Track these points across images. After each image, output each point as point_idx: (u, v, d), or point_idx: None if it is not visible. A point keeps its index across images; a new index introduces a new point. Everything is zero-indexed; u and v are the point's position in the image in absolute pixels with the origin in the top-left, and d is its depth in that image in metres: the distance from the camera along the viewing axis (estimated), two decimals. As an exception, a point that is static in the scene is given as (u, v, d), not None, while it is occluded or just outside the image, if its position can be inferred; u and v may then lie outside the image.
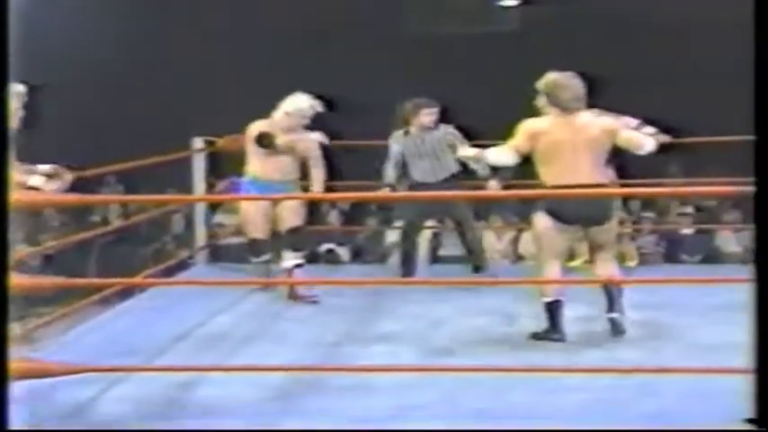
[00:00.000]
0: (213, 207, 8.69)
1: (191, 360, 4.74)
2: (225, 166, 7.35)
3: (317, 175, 6.06)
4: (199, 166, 7.14)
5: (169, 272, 7.03)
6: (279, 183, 6.02)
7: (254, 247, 6.26)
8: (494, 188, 6.32)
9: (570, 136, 4.86)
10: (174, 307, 5.75)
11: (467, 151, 5.30)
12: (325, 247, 9.38)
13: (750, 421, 3.07)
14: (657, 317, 5.35)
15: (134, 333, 5.30)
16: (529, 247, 8.79)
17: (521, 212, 9.42)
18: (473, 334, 5.15)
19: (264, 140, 5.95)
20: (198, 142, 7.12)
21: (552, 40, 10.29)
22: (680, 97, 9.75)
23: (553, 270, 4.97)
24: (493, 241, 8.64)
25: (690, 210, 9.42)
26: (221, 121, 6.86)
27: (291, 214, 6.08)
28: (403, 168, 6.50)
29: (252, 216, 6.15)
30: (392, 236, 9.20)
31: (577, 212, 4.90)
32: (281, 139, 5.97)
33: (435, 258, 9.08)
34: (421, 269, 6.88)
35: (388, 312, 5.67)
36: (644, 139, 4.99)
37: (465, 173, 6.37)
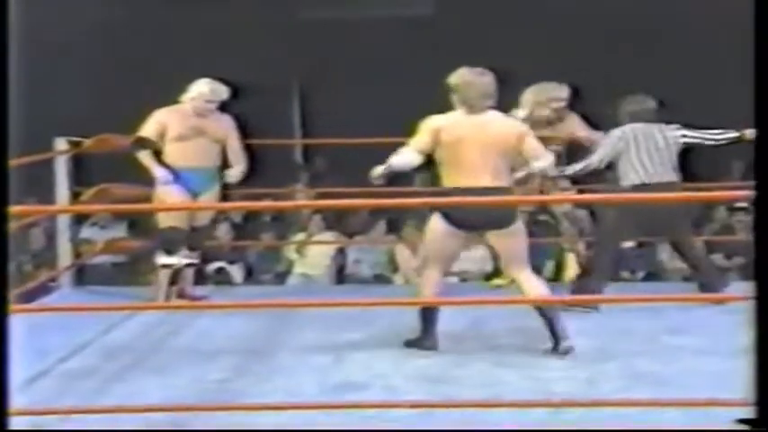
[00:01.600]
0: (79, 220, 8.58)
1: (52, 401, 4.66)
2: (93, 170, 7.27)
3: (237, 158, 6.62)
4: (62, 170, 7.04)
5: (27, 297, 6.90)
6: (198, 170, 6.53)
7: (169, 239, 6.54)
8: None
9: (475, 135, 5.20)
10: (32, 339, 5.63)
11: (375, 171, 5.40)
12: (214, 265, 9.31)
13: (742, 422, 3.26)
14: (595, 343, 5.44)
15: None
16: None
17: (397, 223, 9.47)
18: (385, 364, 5.16)
19: (140, 144, 6.45)
20: (61, 143, 7.03)
21: (472, 25, 10.39)
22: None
23: (434, 275, 5.34)
24: (407, 257, 8.66)
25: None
26: (88, 119, 6.80)
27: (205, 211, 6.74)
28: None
29: (171, 204, 6.56)
30: (291, 252, 9.21)
31: (475, 216, 5.18)
32: (142, 155, 6.50)
33: (341, 278, 9.10)
34: (324, 290, 6.90)
35: (285, 341, 5.66)
36: (544, 154, 5.34)
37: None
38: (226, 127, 6.65)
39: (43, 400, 4.68)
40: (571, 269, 7.40)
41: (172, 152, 6.54)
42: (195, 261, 6.77)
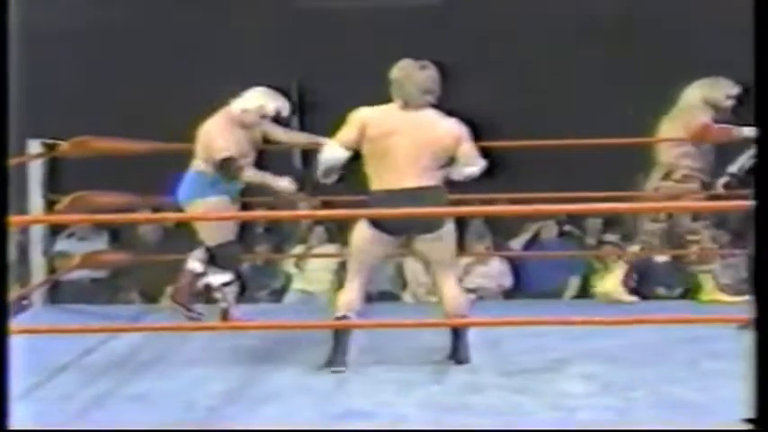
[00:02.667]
0: (54, 231, 8.60)
1: (26, 426, 4.68)
2: (70, 176, 7.29)
3: (298, 135, 6.84)
4: (36, 176, 7.06)
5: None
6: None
7: (227, 255, 6.52)
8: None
9: (407, 131, 5.33)
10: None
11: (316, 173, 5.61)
12: (203, 281, 9.30)
13: (748, 421, 3.39)
14: (624, 367, 5.44)
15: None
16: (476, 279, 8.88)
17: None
18: (392, 390, 5.16)
19: (229, 170, 6.24)
20: (35, 146, 7.05)
21: (484, 15, 10.39)
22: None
23: (354, 285, 5.50)
24: (417, 272, 8.67)
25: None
26: (64, 120, 6.81)
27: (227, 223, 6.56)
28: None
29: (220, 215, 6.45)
30: (290, 266, 9.21)
31: (401, 220, 5.33)
32: (249, 174, 6.32)
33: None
34: (324, 308, 6.87)
35: (282, 364, 5.68)
36: (478, 160, 5.47)
37: None
38: (265, 128, 6.54)
39: (15, 428, 4.70)
40: (610, 284, 7.36)
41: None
42: (230, 280, 6.72)
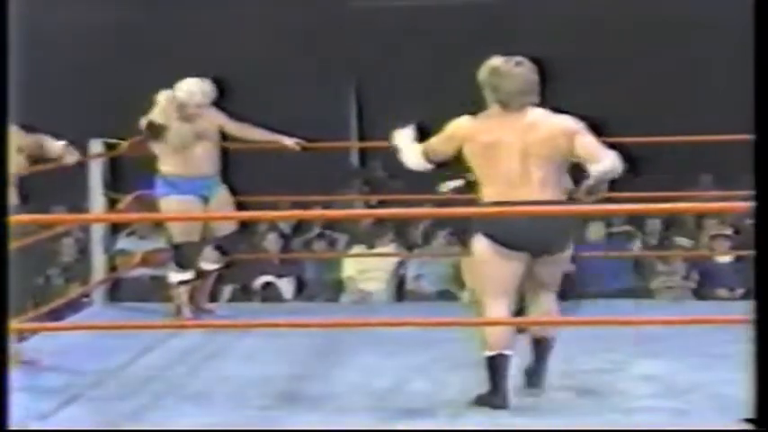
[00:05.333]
0: (115, 229, 8.65)
1: (83, 426, 4.71)
2: (130, 175, 7.32)
3: (252, 130, 6.77)
4: (96, 175, 7.10)
5: (57, 314, 6.98)
6: (200, 178, 6.59)
7: (182, 256, 6.62)
8: None
9: (514, 138, 4.75)
10: (63, 360, 5.71)
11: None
12: (261, 279, 9.34)
13: (748, 421, 3.36)
14: (684, 369, 5.40)
15: (13, 393, 5.24)
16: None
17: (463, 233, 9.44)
18: (451, 390, 5.14)
19: (153, 131, 6.49)
20: (96, 146, 7.09)
21: (544, 11, 10.35)
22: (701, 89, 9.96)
23: (498, 312, 4.81)
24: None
25: (728, 231, 9.47)
26: (123, 119, 6.84)
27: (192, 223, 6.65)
28: None
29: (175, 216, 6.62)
30: (348, 266, 9.21)
31: (526, 236, 4.74)
32: (177, 130, 6.51)
33: (401, 294, 9.08)
34: (382, 307, 6.89)
35: (339, 364, 5.68)
36: (605, 152, 4.72)
37: None
38: (218, 120, 6.67)
39: (73, 427, 4.73)
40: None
41: (172, 161, 6.57)
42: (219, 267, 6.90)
